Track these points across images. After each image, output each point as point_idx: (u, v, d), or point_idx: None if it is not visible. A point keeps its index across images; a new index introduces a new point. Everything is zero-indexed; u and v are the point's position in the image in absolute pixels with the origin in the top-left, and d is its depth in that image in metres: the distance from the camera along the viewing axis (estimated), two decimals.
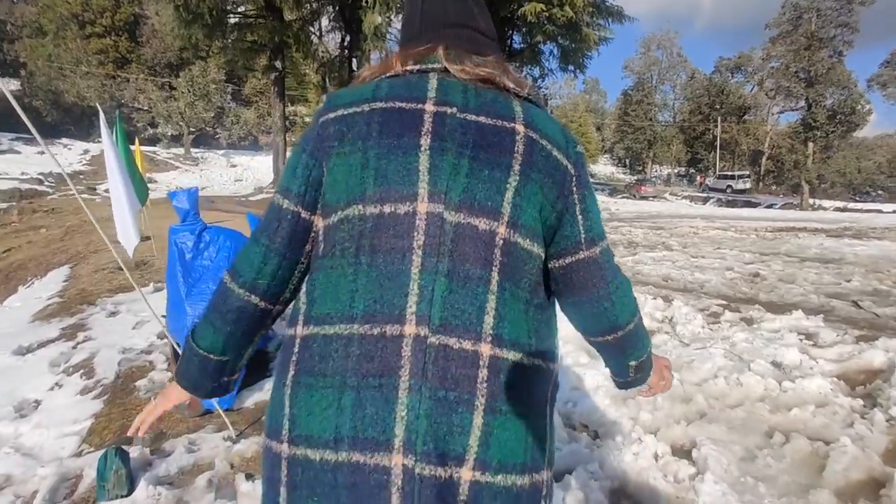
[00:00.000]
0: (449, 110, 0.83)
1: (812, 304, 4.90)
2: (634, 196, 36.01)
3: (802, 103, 35.05)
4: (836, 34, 30.10)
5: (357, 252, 0.79)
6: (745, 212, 23.60)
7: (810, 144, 30.93)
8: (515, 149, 0.82)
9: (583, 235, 0.88)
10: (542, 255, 0.86)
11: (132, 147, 10.42)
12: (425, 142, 0.80)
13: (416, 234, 0.77)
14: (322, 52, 28.48)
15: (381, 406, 0.72)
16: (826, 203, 31.14)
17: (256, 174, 30.72)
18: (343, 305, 0.77)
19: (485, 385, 0.75)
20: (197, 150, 35.09)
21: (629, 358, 1.00)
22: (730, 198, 36.45)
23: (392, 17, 20.69)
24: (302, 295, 0.84)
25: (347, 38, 23.85)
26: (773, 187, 43.10)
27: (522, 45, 26.90)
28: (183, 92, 32.54)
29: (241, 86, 40.14)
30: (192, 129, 34.38)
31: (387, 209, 0.78)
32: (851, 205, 30.68)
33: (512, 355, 0.77)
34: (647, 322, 4.23)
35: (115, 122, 7.23)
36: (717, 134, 46.89)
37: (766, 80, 35.05)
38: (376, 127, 0.81)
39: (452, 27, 0.93)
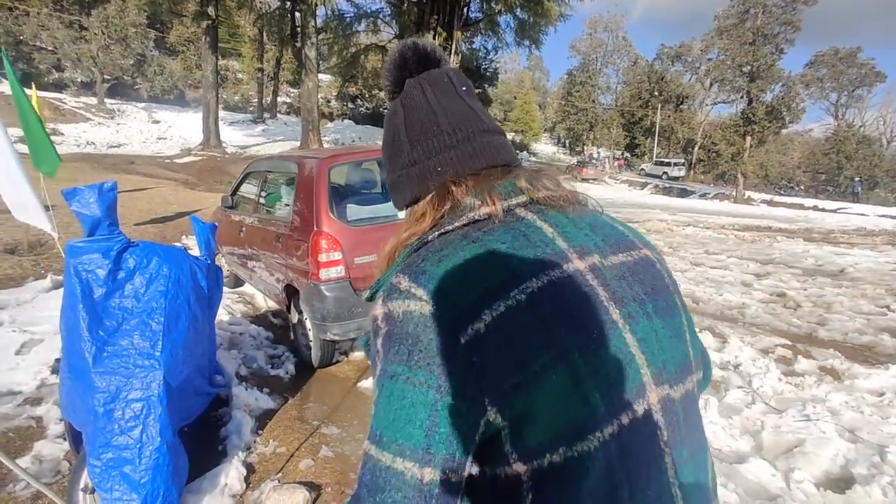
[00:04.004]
0: (595, 260, 0.66)
1: (888, 348, 4.48)
2: (576, 178, 36.07)
3: (736, 96, 36.26)
4: (779, 31, 31.04)
5: (613, 490, 0.59)
6: (699, 204, 24.10)
7: (748, 138, 32.06)
8: (665, 281, 0.71)
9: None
10: None
11: (28, 92, 8.51)
12: (615, 314, 0.63)
13: (660, 432, 0.63)
14: (260, 1, 25.88)
15: None
16: (753, 195, 32.52)
17: (183, 133, 27.84)
18: None
19: None
20: (113, 100, 31.24)
21: None
22: (666, 184, 37.45)
23: None
24: None
25: None
26: (702, 176, 44.81)
27: (479, 15, 25.74)
28: (95, 33, 28.67)
29: (165, 32, 36.15)
30: (106, 76, 30.57)
31: (625, 419, 0.60)
32: (777, 198, 32.18)
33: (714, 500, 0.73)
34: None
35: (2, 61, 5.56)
36: (657, 121, 47.96)
37: (712, 71, 35.82)
38: (558, 321, 0.59)
39: (489, 134, 0.75)
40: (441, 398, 0.57)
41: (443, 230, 0.68)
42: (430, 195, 0.73)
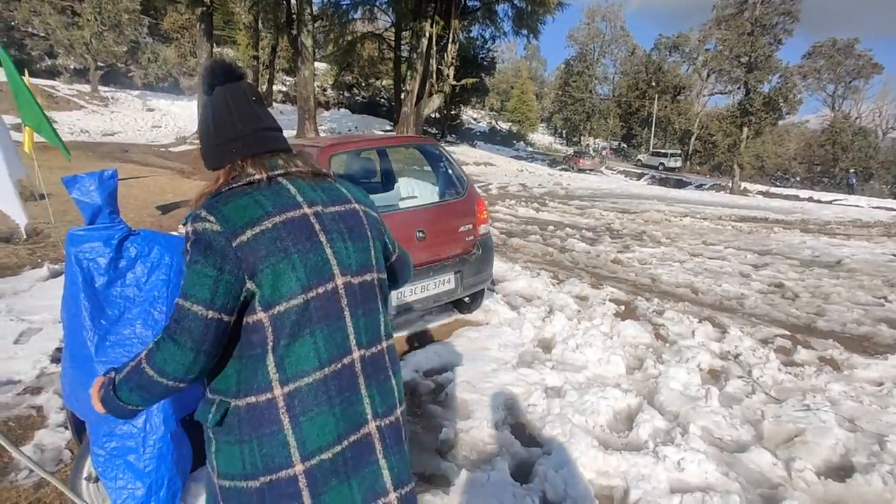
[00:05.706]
0: (319, 209, 1.19)
1: (886, 338, 4.50)
2: (572, 168, 36.00)
3: (733, 87, 36.07)
4: (778, 21, 30.80)
5: (311, 324, 1.12)
6: (696, 195, 24.01)
7: (745, 129, 31.92)
8: (363, 222, 1.26)
9: (391, 246, 1.42)
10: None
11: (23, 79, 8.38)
12: (323, 238, 1.16)
13: (342, 298, 1.17)
14: None
15: (357, 406, 1.17)
16: (749, 186, 32.48)
17: (177, 121, 27.59)
18: (313, 361, 1.12)
19: (388, 362, 1.26)
20: (107, 88, 30.86)
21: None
22: (662, 175, 37.42)
23: None
24: (265, 369, 1.10)
25: None
26: (699, 167, 44.78)
27: (477, 3, 25.51)
28: (88, 19, 28.24)
29: (159, 19, 35.66)
30: (100, 63, 30.17)
31: (320, 290, 1.13)
32: (773, 189, 32.15)
33: (391, 341, 1.30)
34: (707, 358, 3.56)
35: None
36: (654, 111, 47.81)
37: (710, 62, 35.55)
38: (287, 238, 1.11)
39: (267, 131, 1.23)
40: (220, 275, 1.06)
41: (230, 186, 1.15)
42: (227, 166, 1.18)
